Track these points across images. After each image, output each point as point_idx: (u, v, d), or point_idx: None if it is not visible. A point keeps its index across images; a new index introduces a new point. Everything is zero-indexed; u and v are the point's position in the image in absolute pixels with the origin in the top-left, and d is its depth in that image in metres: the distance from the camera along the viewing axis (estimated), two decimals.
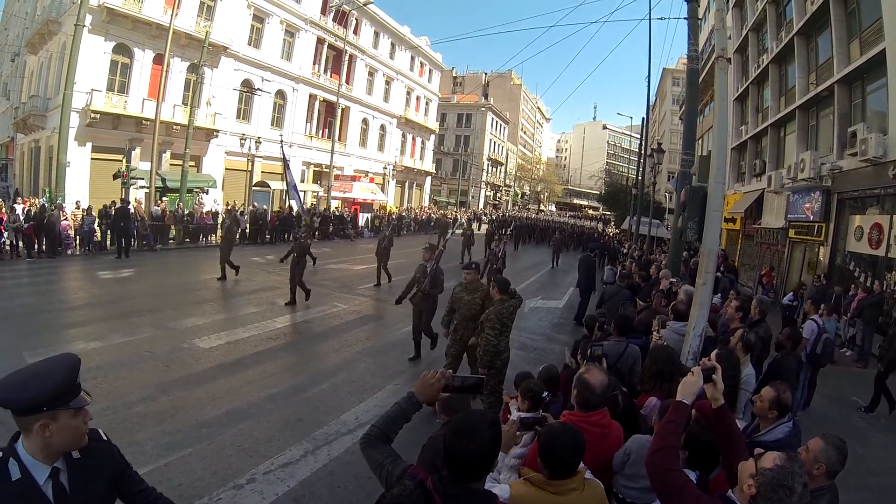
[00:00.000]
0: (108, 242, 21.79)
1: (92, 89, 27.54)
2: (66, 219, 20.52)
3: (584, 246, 37.10)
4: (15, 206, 20.12)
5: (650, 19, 22.99)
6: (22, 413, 1.98)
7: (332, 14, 43.40)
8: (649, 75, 29.22)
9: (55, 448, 2.05)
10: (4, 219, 18.55)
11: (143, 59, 30.42)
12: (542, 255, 33.78)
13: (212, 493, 5.44)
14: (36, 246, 19.45)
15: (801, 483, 2.32)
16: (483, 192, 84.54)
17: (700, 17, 16.43)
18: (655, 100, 64.17)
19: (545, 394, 4.68)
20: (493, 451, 2.33)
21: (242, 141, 31.73)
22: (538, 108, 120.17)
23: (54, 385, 1.99)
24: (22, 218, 19.22)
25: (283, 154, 18.11)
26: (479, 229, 43.93)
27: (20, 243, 19.17)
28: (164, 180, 28.42)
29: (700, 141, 33.39)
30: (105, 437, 2.34)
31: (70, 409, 2.04)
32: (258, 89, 36.21)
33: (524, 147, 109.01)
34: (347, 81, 46.16)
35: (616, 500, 3.60)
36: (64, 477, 2.10)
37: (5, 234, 18.68)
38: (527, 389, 4.56)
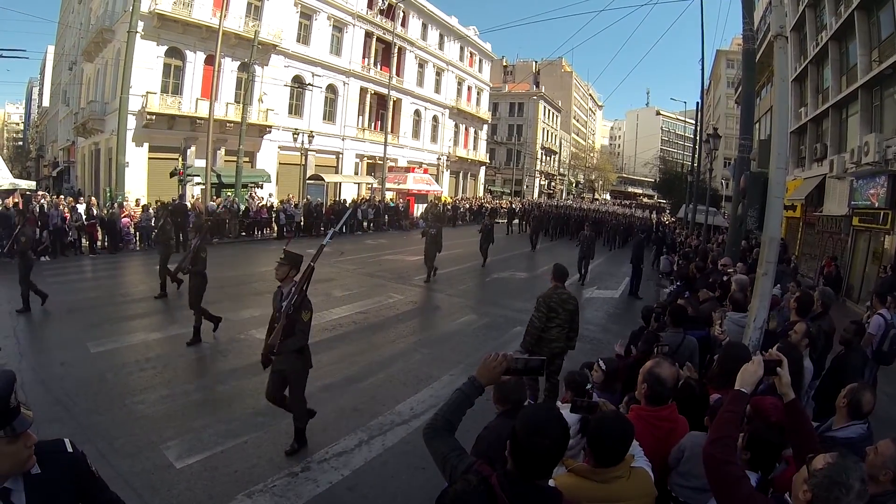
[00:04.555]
0: None
1: (147, 92, 28.36)
2: (126, 216, 21.02)
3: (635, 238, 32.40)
4: (77, 205, 20.65)
5: None
6: None
7: (378, 7, 43.53)
8: (703, 58, 28.40)
9: None
10: (68, 217, 19.06)
11: (194, 61, 31.21)
12: (570, 255, 21.20)
13: (267, 480, 5.47)
14: (98, 242, 20.00)
15: (857, 479, 2.13)
16: (537, 181, 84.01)
17: None
18: (709, 83, 62.55)
19: (589, 385, 4.57)
20: (563, 445, 2.27)
21: (295, 135, 32.01)
22: (590, 95, 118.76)
23: None
24: (84, 217, 19.77)
25: None
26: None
27: (83, 240, 19.74)
28: (219, 176, 29.07)
29: (757, 125, 32.38)
30: (70, 449, 2.18)
31: (5, 436, 1.86)
32: (309, 84, 36.67)
33: (577, 135, 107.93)
34: (398, 74, 46.27)
35: (670, 498, 3.49)
36: (19, 496, 1.97)
37: (70, 232, 19.22)
38: (570, 380, 4.45)
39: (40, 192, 24.71)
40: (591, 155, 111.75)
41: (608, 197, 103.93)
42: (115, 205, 21.38)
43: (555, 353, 7.16)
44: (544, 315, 7.11)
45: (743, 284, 7.50)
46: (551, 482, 2.48)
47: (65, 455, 2.14)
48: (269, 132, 35.11)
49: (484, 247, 21.20)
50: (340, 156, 42.15)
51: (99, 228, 20.27)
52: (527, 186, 79.60)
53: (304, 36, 38.33)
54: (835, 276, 18.34)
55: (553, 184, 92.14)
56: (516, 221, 40.97)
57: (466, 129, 61.12)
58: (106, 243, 20.25)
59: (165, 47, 29.84)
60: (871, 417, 3.78)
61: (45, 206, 19.40)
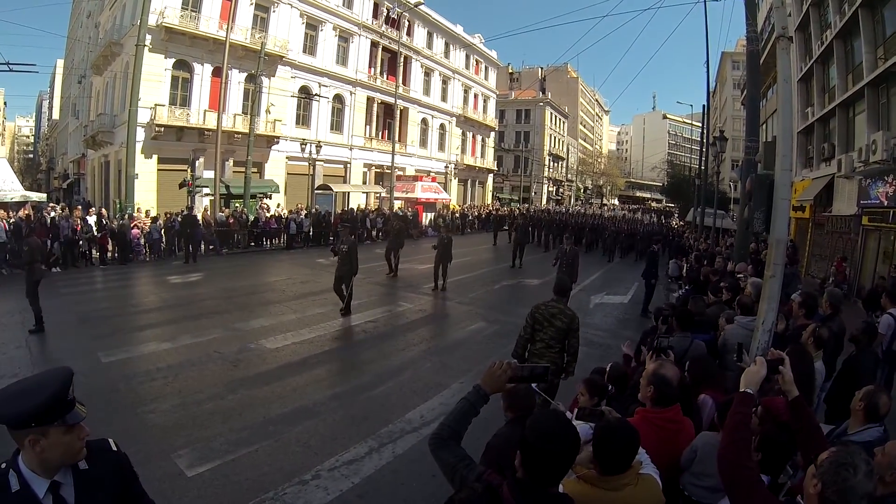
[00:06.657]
0: (177, 248, 22.38)
1: (155, 104, 28.59)
2: (135, 227, 21.16)
3: (639, 250, 29.76)
4: (87, 217, 20.77)
5: (706, 1, 22.25)
6: (12, 427, 1.95)
7: (384, 17, 43.68)
8: (707, 60, 28.51)
9: (50, 463, 2.02)
10: (79, 228, 19.15)
11: (202, 73, 31.37)
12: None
13: (277, 488, 5.48)
14: (108, 253, 20.12)
15: (862, 460, 2.19)
16: (546, 187, 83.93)
17: None
18: (715, 86, 62.47)
19: (610, 387, 4.55)
20: (575, 451, 2.30)
21: (303, 146, 32.15)
22: (596, 100, 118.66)
23: (40, 401, 1.94)
24: (95, 228, 19.88)
25: None
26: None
27: (94, 251, 19.87)
28: (227, 187, 29.20)
29: (764, 126, 32.15)
30: (115, 448, 2.32)
31: (61, 426, 2.00)
32: (316, 95, 36.81)
33: (584, 141, 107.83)
34: (404, 83, 46.28)
35: (682, 497, 3.52)
36: (68, 490, 2.07)
37: (81, 243, 19.31)
38: (590, 384, 4.43)
39: (51, 204, 24.88)
40: (599, 160, 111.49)
41: (616, 202, 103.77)
42: (126, 216, 21.49)
43: (542, 363, 6.80)
44: (529, 327, 6.71)
45: (758, 287, 7.44)
46: (560, 488, 2.49)
47: (111, 453, 2.29)
48: (277, 143, 35.25)
49: (440, 266, 17.28)
50: (348, 165, 42.25)
51: (109, 240, 20.38)
52: (535, 193, 79.53)
53: (310, 46, 38.49)
54: (873, 291, 15.79)
55: (561, 190, 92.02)
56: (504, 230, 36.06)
57: (474, 136, 61.20)
58: (116, 254, 20.34)
59: (173, 60, 30.05)
60: (886, 420, 3.76)
61: (56, 217, 19.50)
